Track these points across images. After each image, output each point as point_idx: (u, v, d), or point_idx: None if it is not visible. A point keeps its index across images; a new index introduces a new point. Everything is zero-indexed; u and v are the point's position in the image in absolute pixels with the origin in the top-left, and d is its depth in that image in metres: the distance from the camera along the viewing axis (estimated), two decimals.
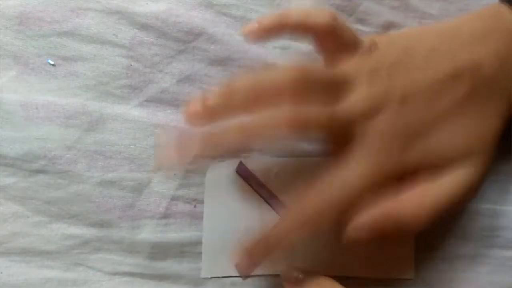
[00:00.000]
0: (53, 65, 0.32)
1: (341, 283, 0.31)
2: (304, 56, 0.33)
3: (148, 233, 0.32)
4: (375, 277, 0.31)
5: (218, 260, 0.32)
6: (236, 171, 0.33)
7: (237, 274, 0.32)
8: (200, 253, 0.32)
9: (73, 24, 0.32)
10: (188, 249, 0.33)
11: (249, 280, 0.32)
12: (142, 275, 0.32)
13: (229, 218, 0.32)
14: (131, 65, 0.32)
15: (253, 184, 0.33)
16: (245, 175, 0.33)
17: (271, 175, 0.33)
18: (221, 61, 0.33)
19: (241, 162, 0.33)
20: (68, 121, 0.32)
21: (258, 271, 0.32)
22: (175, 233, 0.32)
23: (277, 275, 0.32)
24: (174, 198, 0.33)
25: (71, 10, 0.33)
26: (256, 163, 0.33)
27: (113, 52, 0.32)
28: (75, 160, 0.32)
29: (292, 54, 0.33)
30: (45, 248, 0.32)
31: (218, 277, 0.32)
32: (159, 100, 0.33)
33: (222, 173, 0.33)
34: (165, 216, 0.32)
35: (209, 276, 0.32)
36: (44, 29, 0.32)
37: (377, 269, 0.31)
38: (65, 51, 0.33)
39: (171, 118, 0.33)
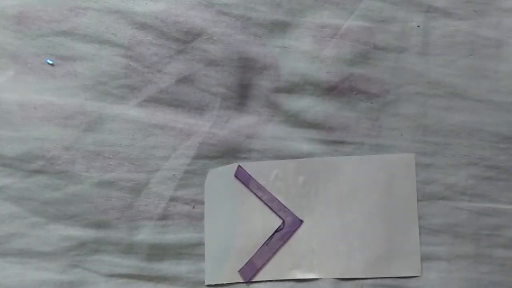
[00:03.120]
0: (51, 64, 0.32)
1: (348, 285, 0.31)
2: (304, 55, 0.33)
3: (146, 234, 0.32)
4: (383, 276, 0.31)
5: (221, 267, 0.32)
6: (235, 176, 0.33)
7: (241, 280, 0.32)
8: (198, 255, 0.32)
9: (72, 24, 0.32)
10: (186, 251, 0.32)
11: (252, 285, 0.32)
12: (139, 277, 0.32)
13: (230, 224, 0.32)
14: (129, 65, 0.32)
15: (253, 187, 0.32)
16: (244, 179, 0.33)
17: (270, 178, 0.32)
18: (220, 61, 0.33)
19: (239, 167, 0.33)
20: (67, 121, 0.32)
21: (261, 276, 0.32)
22: (173, 235, 0.32)
23: (280, 281, 0.32)
24: (172, 199, 0.32)
25: (69, 9, 0.32)
26: (255, 165, 0.33)
27: (112, 51, 0.32)
28: (74, 160, 0.32)
29: (292, 54, 0.33)
30: (42, 250, 0.32)
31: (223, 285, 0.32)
32: (158, 100, 0.33)
33: (221, 178, 0.33)
34: (164, 217, 0.32)
35: (213, 283, 0.32)
36: (43, 28, 0.32)
37: (385, 268, 0.31)
38: (64, 50, 0.32)
39: (170, 118, 0.33)
